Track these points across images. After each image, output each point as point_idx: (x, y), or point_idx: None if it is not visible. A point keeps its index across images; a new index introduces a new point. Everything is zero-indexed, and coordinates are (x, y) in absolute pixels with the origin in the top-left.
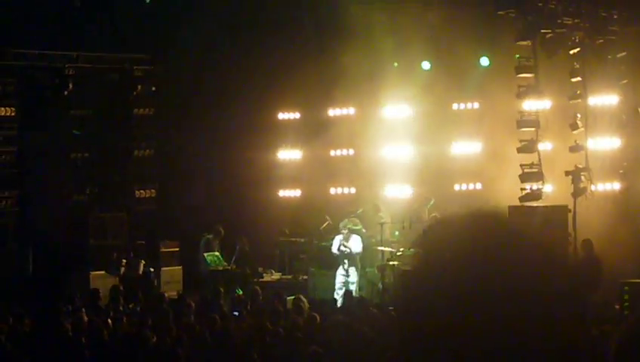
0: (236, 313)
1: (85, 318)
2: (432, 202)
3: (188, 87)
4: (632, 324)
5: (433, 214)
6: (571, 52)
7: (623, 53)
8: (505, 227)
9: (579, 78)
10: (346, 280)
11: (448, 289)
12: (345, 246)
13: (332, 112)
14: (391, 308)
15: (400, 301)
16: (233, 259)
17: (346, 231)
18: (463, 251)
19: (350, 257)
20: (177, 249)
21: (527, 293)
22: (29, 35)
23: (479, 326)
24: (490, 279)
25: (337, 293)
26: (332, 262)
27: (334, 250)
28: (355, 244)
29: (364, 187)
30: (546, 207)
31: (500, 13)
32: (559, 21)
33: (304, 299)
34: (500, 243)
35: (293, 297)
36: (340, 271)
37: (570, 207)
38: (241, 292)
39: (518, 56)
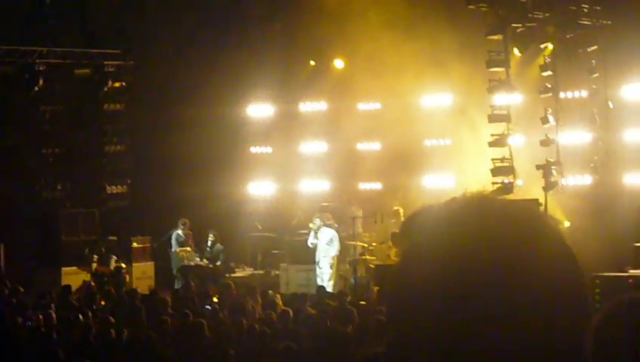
0: (208, 307)
1: (54, 315)
2: (399, 194)
3: (159, 82)
4: (610, 309)
5: (396, 207)
6: (542, 46)
7: (594, 47)
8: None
9: (549, 72)
10: (320, 273)
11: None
12: (315, 240)
13: (304, 107)
14: (363, 302)
15: (392, 300)
16: (205, 254)
17: (316, 225)
18: (469, 241)
19: (321, 251)
20: (149, 244)
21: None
22: None
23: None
24: (499, 274)
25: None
26: (304, 257)
27: (308, 243)
28: (324, 238)
29: (336, 181)
30: (517, 200)
31: (470, 7)
32: (530, 15)
33: (277, 295)
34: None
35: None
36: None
37: (542, 200)
38: (213, 288)
39: (489, 50)
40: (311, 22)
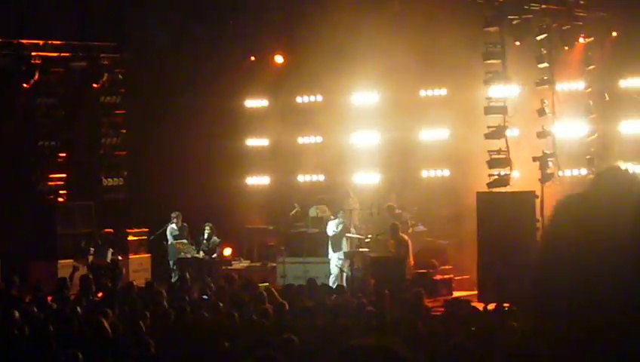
0: (205, 297)
1: (52, 307)
2: (397, 186)
3: (155, 74)
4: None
5: (389, 204)
6: (538, 38)
7: (590, 39)
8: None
9: (546, 64)
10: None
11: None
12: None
13: (300, 100)
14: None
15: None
16: (202, 246)
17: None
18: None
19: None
20: (145, 237)
21: None
22: None
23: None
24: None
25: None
26: (300, 249)
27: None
28: (329, 229)
29: (332, 174)
30: (513, 192)
31: None
32: (526, 7)
33: (272, 288)
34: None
35: (263, 284)
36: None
37: (538, 192)
38: (209, 280)
39: (485, 42)
40: None
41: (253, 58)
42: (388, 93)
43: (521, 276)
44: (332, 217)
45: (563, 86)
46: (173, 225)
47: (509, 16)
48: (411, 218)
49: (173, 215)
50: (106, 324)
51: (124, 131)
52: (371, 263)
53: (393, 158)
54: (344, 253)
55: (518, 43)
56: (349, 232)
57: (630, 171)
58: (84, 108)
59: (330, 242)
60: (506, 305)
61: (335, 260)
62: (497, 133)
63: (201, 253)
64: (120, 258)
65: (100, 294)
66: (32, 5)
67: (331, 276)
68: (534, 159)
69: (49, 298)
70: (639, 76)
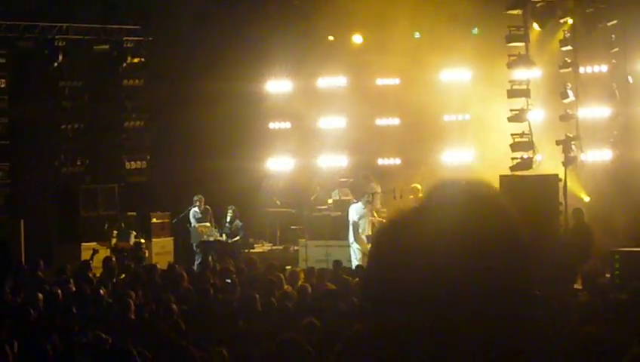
0: (229, 280)
1: (74, 289)
2: (421, 170)
3: (178, 57)
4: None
5: (414, 185)
6: (561, 21)
7: (614, 22)
8: (494, 214)
9: (569, 47)
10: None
11: (431, 279)
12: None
13: (323, 82)
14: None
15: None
16: (224, 229)
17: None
18: (449, 240)
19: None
20: (168, 220)
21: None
22: (18, 7)
23: (465, 323)
24: (478, 274)
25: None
26: (323, 233)
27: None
28: (352, 213)
29: (354, 157)
30: (536, 176)
31: None
32: None
33: (297, 270)
34: (490, 235)
35: (286, 267)
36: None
37: (561, 176)
38: (232, 263)
39: (508, 25)
40: None
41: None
42: (410, 76)
43: (545, 259)
44: (354, 201)
45: (586, 69)
46: (196, 208)
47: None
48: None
49: (195, 198)
50: (132, 305)
51: (148, 114)
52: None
53: (415, 142)
54: (366, 236)
55: (539, 28)
56: (372, 216)
57: (461, 184)
58: (107, 92)
59: (351, 226)
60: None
61: (357, 244)
62: (520, 116)
63: (224, 236)
64: (143, 241)
65: (122, 276)
66: None
67: (354, 260)
68: (558, 142)
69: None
70: None
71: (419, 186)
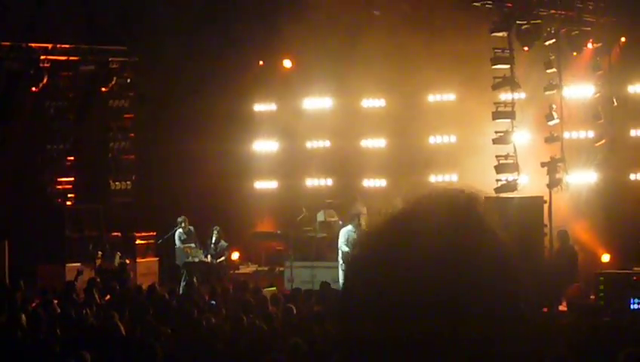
0: (213, 302)
1: (58, 310)
2: (403, 191)
3: (164, 78)
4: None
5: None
6: (547, 43)
7: (599, 44)
8: (477, 227)
9: (554, 69)
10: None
11: (410, 289)
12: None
13: (308, 104)
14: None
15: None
16: (209, 250)
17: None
18: (428, 248)
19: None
20: (153, 241)
21: (497, 296)
22: (3, 26)
23: (442, 331)
24: (456, 282)
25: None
26: (309, 254)
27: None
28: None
29: (340, 179)
30: (521, 198)
31: (475, 4)
32: (535, 12)
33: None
34: (470, 243)
35: (270, 289)
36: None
37: (546, 197)
38: (217, 284)
39: (493, 47)
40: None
41: (261, 63)
42: (396, 98)
43: (529, 281)
44: (340, 223)
45: (571, 91)
46: (180, 230)
47: (518, 22)
48: None
49: (179, 219)
50: (120, 326)
51: (133, 135)
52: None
53: (401, 163)
54: None
55: (526, 48)
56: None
57: (447, 195)
58: (92, 112)
59: (340, 249)
60: None
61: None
62: (505, 138)
63: (209, 257)
64: (127, 261)
65: (107, 297)
66: (40, 9)
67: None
68: (542, 164)
69: (55, 301)
70: None
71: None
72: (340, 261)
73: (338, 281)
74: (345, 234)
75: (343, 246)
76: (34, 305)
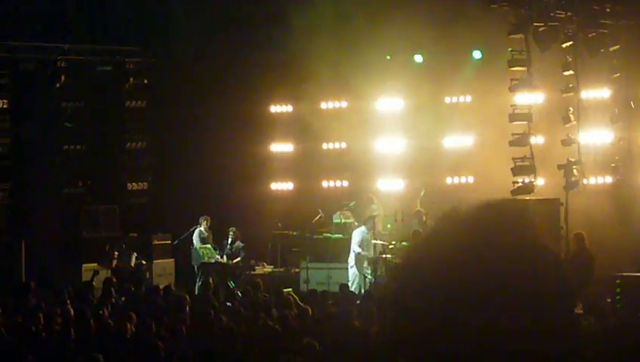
0: (229, 304)
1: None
2: (422, 193)
3: (180, 79)
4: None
5: (417, 209)
6: (564, 45)
7: (616, 47)
8: (507, 224)
9: (571, 72)
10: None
11: (445, 284)
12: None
13: (324, 105)
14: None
15: (392, 295)
16: (225, 251)
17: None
18: (463, 246)
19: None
20: (169, 241)
21: (524, 292)
22: (21, 28)
23: (474, 324)
24: (488, 277)
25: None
26: (324, 255)
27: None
28: (354, 238)
29: (356, 180)
30: (538, 200)
31: (493, 6)
32: (552, 14)
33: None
34: (500, 241)
35: (286, 290)
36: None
37: (562, 200)
38: (233, 285)
39: (510, 49)
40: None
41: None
42: (413, 100)
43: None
44: (356, 224)
45: (588, 93)
46: (202, 228)
47: (535, 24)
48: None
49: (201, 219)
50: (131, 328)
51: (150, 135)
52: (394, 269)
53: (418, 165)
54: (367, 259)
55: (543, 51)
56: (374, 240)
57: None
58: (109, 113)
59: (352, 250)
60: None
61: (358, 267)
62: (522, 140)
63: (225, 258)
64: (144, 262)
65: (123, 298)
66: (57, 9)
67: (353, 282)
68: (559, 167)
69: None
70: None
71: (423, 210)
72: (351, 262)
73: (349, 282)
74: (358, 235)
75: (355, 248)
76: (49, 305)
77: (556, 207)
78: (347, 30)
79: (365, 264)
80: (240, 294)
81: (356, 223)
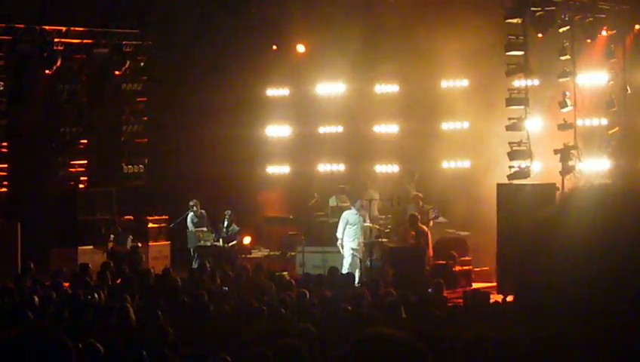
0: (226, 288)
1: (69, 292)
2: (416, 176)
3: (177, 62)
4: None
5: (415, 193)
6: (561, 30)
7: (613, 32)
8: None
9: (568, 57)
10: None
11: (599, 274)
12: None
13: (321, 89)
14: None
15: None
16: (221, 234)
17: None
18: (603, 227)
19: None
20: (165, 224)
21: None
22: (18, 9)
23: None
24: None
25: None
26: (320, 239)
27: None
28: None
29: (353, 164)
30: (534, 185)
31: None
32: None
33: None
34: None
35: (281, 273)
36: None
37: (559, 185)
38: (228, 268)
39: (507, 33)
40: None
41: (275, 47)
42: (409, 84)
43: None
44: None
45: (585, 78)
46: (192, 213)
47: (532, 8)
48: (432, 209)
49: (191, 203)
50: (130, 310)
51: (146, 118)
52: (390, 253)
53: (414, 149)
54: (364, 243)
55: (540, 35)
56: (367, 222)
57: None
58: (105, 95)
59: (343, 230)
60: None
61: (348, 249)
62: (518, 124)
63: (220, 241)
64: (140, 245)
65: (119, 281)
66: None
67: (345, 264)
68: (555, 151)
69: (66, 284)
70: None
71: (420, 195)
72: (345, 240)
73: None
74: (344, 218)
75: (339, 233)
76: (45, 287)
77: (552, 192)
78: (345, 12)
79: (355, 246)
80: (236, 277)
81: (352, 207)
